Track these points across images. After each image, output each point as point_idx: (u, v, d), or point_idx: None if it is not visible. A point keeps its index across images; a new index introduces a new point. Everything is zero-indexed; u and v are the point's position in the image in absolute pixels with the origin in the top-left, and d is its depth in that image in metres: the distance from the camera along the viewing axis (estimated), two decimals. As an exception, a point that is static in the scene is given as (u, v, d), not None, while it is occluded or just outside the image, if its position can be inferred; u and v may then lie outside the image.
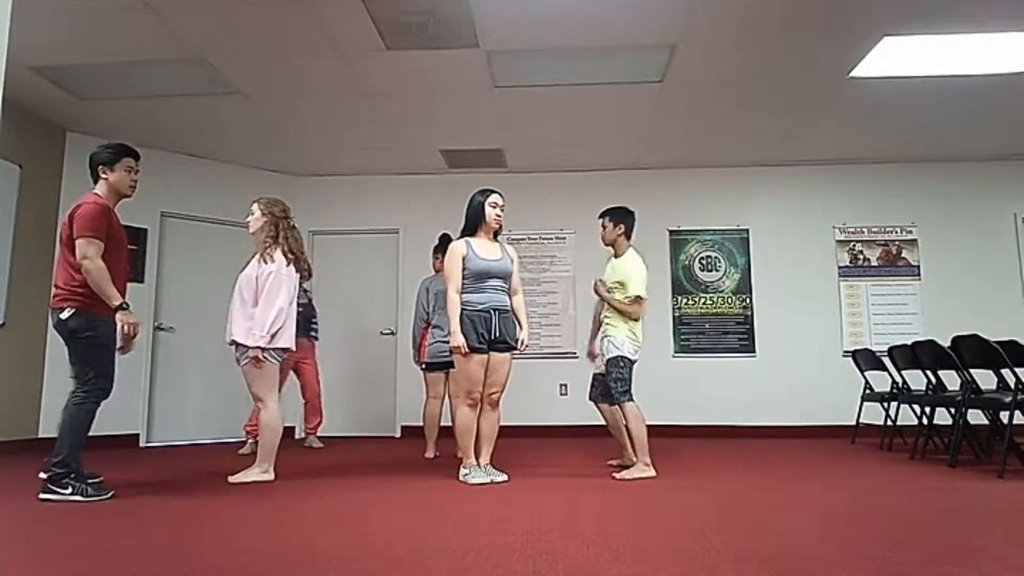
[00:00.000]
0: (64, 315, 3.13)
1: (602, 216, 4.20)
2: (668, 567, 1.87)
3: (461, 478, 3.61)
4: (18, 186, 5.31)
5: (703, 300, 6.71)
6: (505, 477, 3.62)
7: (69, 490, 3.06)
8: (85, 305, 3.13)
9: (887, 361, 5.28)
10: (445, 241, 5.10)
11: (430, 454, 4.89)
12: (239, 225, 4.95)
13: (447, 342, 3.88)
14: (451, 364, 4.57)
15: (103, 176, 3.30)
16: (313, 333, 5.79)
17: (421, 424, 5.01)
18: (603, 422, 4.32)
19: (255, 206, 3.88)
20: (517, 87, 5.08)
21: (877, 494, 3.16)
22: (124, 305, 3.15)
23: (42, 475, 3.11)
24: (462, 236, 3.82)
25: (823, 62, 4.70)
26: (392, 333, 6.81)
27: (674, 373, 6.56)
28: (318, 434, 5.82)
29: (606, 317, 4.02)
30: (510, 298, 3.81)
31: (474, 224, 3.80)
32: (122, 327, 3.13)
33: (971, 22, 4.16)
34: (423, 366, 4.91)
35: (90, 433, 3.16)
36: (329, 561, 1.98)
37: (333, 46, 4.44)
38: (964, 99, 5.30)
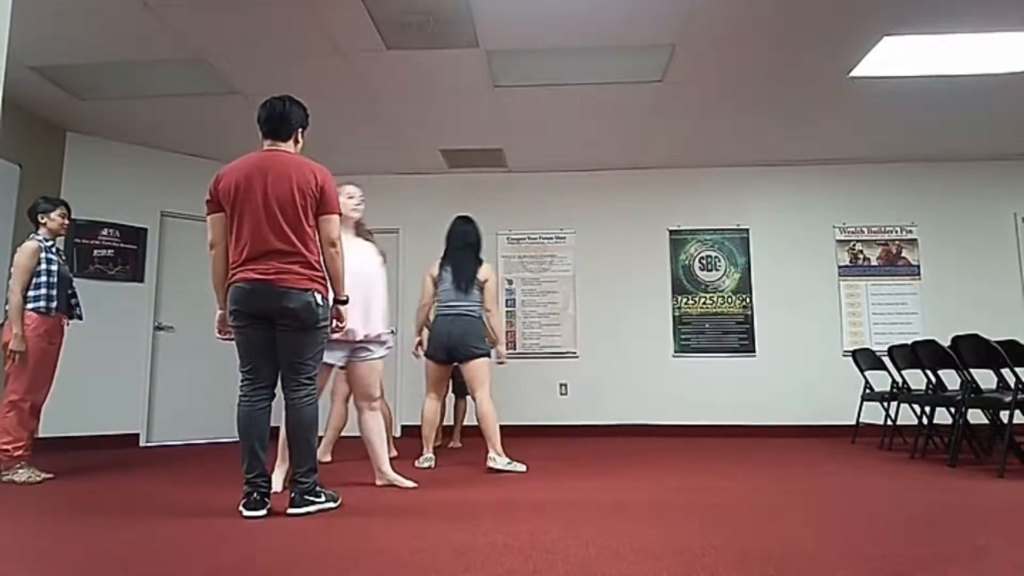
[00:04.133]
0: None
1: None
2: (668, 567, 1.87)
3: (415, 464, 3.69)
4: (18, 186, 5.30)
5: (703, 300, 6.71)
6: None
7: None
8: None
9: (887, 361, 5.28)
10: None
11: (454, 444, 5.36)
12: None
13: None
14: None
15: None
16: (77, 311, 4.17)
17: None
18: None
19: None
20: (517, 87, 5.08)
21: (877, 494, 3.16)
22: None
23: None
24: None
25: (823, 62, 4.70)
26: (392, 333, 6.79)
27: (674, 373, 6.56)
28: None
29: None
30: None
31: None
32: None
33: (971, 22, 4.16)
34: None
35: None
36: (329, 561, 1.98)
37: (333, 46, 4.44)
38: (964, 99, 5.30)
